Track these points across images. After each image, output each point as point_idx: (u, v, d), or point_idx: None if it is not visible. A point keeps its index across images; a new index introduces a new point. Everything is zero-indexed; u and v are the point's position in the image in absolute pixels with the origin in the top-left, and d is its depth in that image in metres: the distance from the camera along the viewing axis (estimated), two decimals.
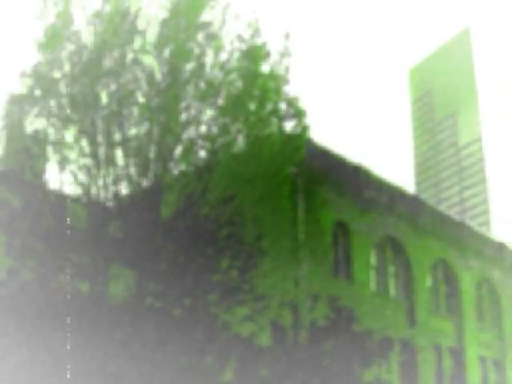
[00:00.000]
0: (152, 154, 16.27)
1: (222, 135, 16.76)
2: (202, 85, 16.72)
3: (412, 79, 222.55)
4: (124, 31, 16.36)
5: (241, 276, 16.11)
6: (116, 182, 16.08)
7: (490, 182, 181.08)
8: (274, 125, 17.33)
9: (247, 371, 16.79)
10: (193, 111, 16.65)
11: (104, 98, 16.27)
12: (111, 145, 16.13)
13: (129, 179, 16.14)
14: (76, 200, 15.91)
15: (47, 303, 14.46)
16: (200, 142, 16.70)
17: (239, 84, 17.02)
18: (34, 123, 16.23)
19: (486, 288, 36.17)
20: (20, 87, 16.30)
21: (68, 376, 14.19)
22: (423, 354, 29.16)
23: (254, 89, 17.01)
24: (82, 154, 16.07)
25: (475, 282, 34.64)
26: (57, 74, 16.33)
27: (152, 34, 16.65)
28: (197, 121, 16.67)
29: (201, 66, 16.68)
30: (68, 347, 14.31)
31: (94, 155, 16.05)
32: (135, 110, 16.44)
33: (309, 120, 17.68)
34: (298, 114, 17.55)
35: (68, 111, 16.17)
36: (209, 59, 16.88)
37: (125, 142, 16.18)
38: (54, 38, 16.24)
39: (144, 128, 16.37)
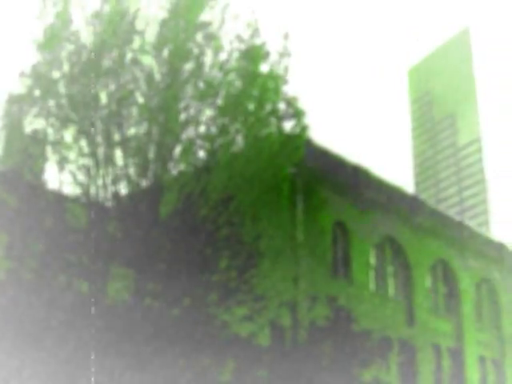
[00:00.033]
0: (151, 154, 16.28)
1: (221, 135, 16.78)
2: (201, 85, 16.73)
3: (411, 79, 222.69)
4: (123, 31, 16.37)
5: (240, 276, 16.13)
6: (115, 181, 16.09)
7: (489, 182, 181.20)
8: (273, 125, 17.35)
9: (246, 371, 16.79)
10: (192, 111, 16.66)
11: (103, 98, 16.28)
12: (110, 145, 16.14)
13: (128, 179, 16.15)
14: (75, 200, 15.91)
15: (46, 303, 14.46)
16: (199, 142, 16.71)
17: (238, 84, 17.03)
18: (33, 123, 16.23)
19: (485, 288, 36.19)
20: (19, 87, 16.31)
21: (67, 376, 14.20)
22: (422, 353, 29.18)
23: (253, 89, 17.03)
24: (81, 153, 16.07)
25: (474, 282, 34.66)
26: (56, 74, 16.33)
27: (151, 34, 16.66)
28: (196, 121, 16.68)
29: (200, 66, 16.69)
30: (67, 347, 14.31)
31: (93, 155, 16.06)
32: (134, 110, 16.44)
33: (308, 120, 17.71)
34: (297, 114, 17.56)
35: (67, 111, 16.18)
36: (208, 59, 16.89)
37: (124, 142, 16.19)
38: (53, 38, 16.25)
39: (143, 128, 16.38)
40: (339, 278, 26.01)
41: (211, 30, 16.88)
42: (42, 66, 16.29)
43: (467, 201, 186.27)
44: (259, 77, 17.16)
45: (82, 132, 16.10)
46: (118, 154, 16.22)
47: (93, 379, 14.39)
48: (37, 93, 16.20)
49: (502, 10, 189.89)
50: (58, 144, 16.13)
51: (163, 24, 16.59)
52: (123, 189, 16.22)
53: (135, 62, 16.42)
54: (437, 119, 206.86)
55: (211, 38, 16.84)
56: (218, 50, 16.98)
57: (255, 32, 17.28)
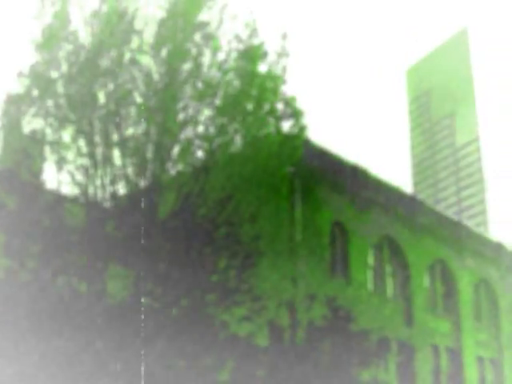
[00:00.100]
0: (149, 154, 16.28)
1: (220, 135, 16.78)
2: (200, 85, 16.73)
3: (409, 79, 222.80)
4: (121, 31, 16.37)
5: (238, 276, 16.13)
6: (113, 181, 16.09)
7: (487, 182, 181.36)
8: (271, 125, 17.36)
9: (245, 371, 16.80)
10: (190, 111, 16.66)
11: (101, 97, 16.28)
12: (109, 145, 16.14)
13: (126, 179, 16.15)
14: (73, 200, 15.91)
15: (45, 303, 14.45)
16: (197, 141, 16.72)
17: (237, 84, 17.04)
18: (31, 123, 16.23)
19: (483, 288, 36.23)
20: (17, 87, 16.31)
21: (66, 376, 14.19)
22: (420, 353, 29.20)
23: (252, 89, 17.03)
24: (79, 153, 16.07)
25: (473, 282, 34.69)
26: (54, 74, 16.33)
27: (149, 34, 16.66)
28: (194, 121, 16.69)
29: (198, 66, 16.69)
30: (67, 347, 14.31)
31: (91, 155, 16.05)
32: (133, 110, 16.44)
33: (306, 120, 17.72)
34: (296, 114, 17.57)
35: (65, 111, 16.18)
36: (206, 59, 16.90)
37: (122, 142, 16.19)
38: (51, 38, 16.25)
39: (141, 128, 16.38)
40: (337, 277, 26.03)
41: (209, 29, 16.89)
42: (41, 66, 16.29)
43: (465, 201, 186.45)
44: (257, 77, 17.16)
45: (81, 132, 16.10)
46: (117, 154, 16.23)
47: (91, 379, 14.38)
48: (35, 93, 16.20)
49: (501, 11, 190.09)
50: (57, 144, 16.13)
51: (161, 24, 16.60)
52: (121, 189, 16.23)
53: (133, 61, 16.42)
54: (435, 119, 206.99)
55: (209, 37, 16.85)
56: (216, 49, 16.99)
57: (253, 32, 17.29)
